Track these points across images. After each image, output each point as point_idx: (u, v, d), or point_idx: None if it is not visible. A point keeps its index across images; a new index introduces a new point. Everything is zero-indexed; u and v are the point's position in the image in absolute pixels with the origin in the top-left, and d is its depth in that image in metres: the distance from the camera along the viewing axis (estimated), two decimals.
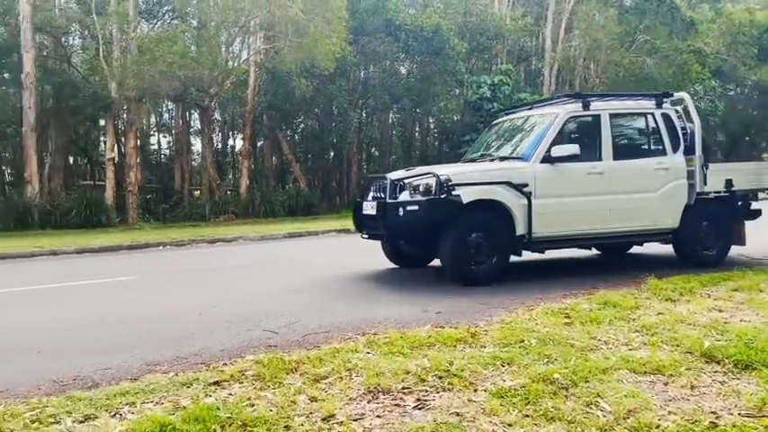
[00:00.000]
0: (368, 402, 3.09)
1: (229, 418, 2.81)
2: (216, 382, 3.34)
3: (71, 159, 25.68)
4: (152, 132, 31.24)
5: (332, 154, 26.81)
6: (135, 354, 4.09)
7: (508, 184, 6.63)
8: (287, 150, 24.90)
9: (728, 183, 7.72)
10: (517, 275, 7.01)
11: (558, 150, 6.78)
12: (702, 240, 7.67)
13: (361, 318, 5.01)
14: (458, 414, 2.86)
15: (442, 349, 3.92)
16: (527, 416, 2.82)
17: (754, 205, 8.14)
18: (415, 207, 6.52)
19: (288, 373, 3.47)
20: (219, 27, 19.99)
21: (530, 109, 8.14)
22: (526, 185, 6.70)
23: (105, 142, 21.72)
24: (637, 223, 7.37)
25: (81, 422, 2.82)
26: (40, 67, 19.13)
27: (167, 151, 31.20)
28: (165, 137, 31.77)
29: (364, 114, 27.05)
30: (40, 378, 3.60)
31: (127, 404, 3.03)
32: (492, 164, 7.36)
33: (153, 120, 30.08)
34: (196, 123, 27.81)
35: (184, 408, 2.93)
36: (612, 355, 3.67)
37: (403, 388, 3.26)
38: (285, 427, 2.74)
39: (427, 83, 24.43)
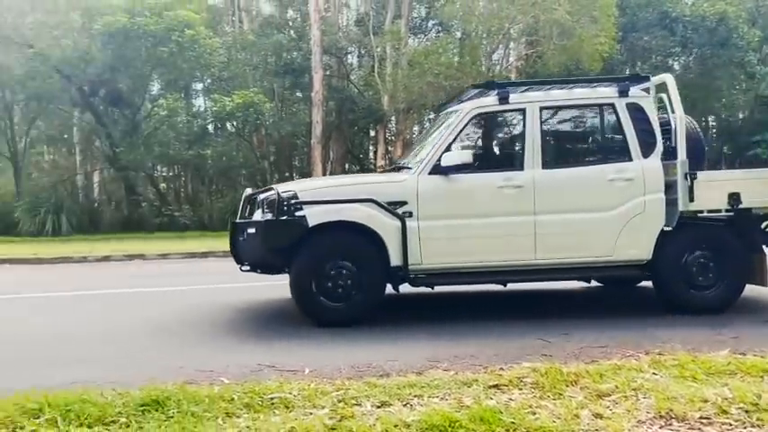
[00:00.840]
0: (660, 428, 2.85)
1: (513, 423, 2.82)
2: (495, 386, 3.39)
3: (347, 167, 28.77)
4: (414, 141, 33.47)
5: None
6: (417, 350, 4.37)
7: (374, 201, 5.25)
8: None
9: (734, 198, 5.45)
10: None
11: (448, 159, 5.28)
12: (693, 277, 5.50)
13: (642, 334, 4.66)
14: None
15: (746, 379, 3.45)
16: None
17: None
18: (253, 230, 5.42)
19: (567, 385, 3.37)
20: (483, 36, 20.49)
21: (459, 102, 6.25)
22: (404, 203, 5.29)
23: (375, 151, 23.86)
24: (581, 254, 5.46)
25: (378, 407, 3.08)
26: (326, 86, 21.76)
27: None
28: None
29: None
30: (341, 363, 4.05)
31: (415, 396, 3.23)
32: (364, 177, 6.01)
33: (416, 129, 32.22)
34: None
35: (468, 407, 3.03)
36: None
37: (701, 417, 2.94)
38: None
39: (708, 78, 21.97)
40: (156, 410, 2.99)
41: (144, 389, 3.20)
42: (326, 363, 4.05)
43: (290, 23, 25.32)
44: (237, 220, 5.84)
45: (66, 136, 24.82)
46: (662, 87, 5.78)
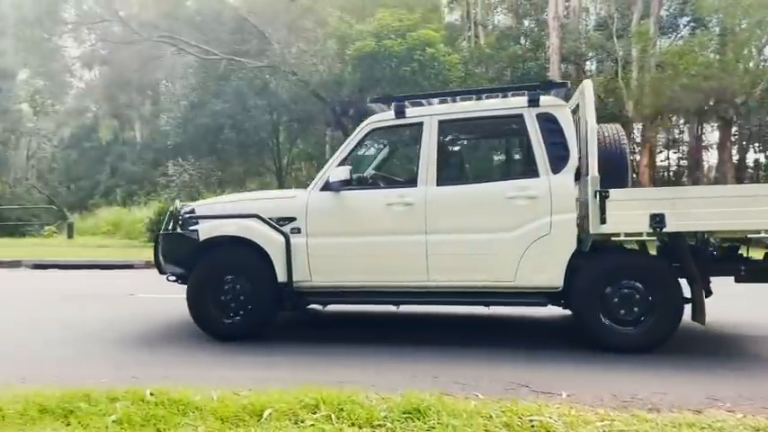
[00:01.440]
0: None
1: None
2: None
3: None
4: (660, 149, 30.69)
5: None
6: (690, 384, 3.86)
7: (258, 217, 5.26)
8: None
9: (656, 219, 4.51)
10: None
11: (335, 175, 5.14)
12: (614, 311, 4.71)
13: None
14: None
15: None
16: None
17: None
18: (159, 242, 5.62)
19: None
20: (751, 30, 17.97)
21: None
22: (293, 219, 5.26)
23: None
24: (478, 277, 4.97)
25: None
26: None
27: (675, 167, 30.10)
28: (676, 152, 30.70)
29: None
30: (601, 390, 3.73)
31: None
32: (262, 193, 6.14)
33: (663, 136, 29.59)
34: (709, 137, 26.05)
35: None
36: None
37: None
38: None
39: None
40: (418, 419, 3.03)
41: (405, 396, 3.28)
42: (584, 388, 3.77)
43: (526, 34, 25.02)
44: (159, 232, 5.94)
45: (320, 152, 27.68)
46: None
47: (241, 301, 5.34)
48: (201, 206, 5.82)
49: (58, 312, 7.48)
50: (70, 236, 20.23)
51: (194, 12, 23.22)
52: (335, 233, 5.27)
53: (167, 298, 7.65)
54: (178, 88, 25.15)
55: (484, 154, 5.52)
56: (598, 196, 4.63)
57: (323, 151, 26.53)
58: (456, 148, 5.92)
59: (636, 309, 4.73)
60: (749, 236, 4.79)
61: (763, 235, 4.58)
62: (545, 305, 5.08)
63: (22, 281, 11.50)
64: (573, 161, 4.87)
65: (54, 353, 5.22)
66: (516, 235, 4.87)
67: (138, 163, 29.79)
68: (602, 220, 4.63)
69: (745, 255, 5.08)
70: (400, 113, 5.36)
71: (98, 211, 24.51)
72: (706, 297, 4.85)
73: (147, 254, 14.07)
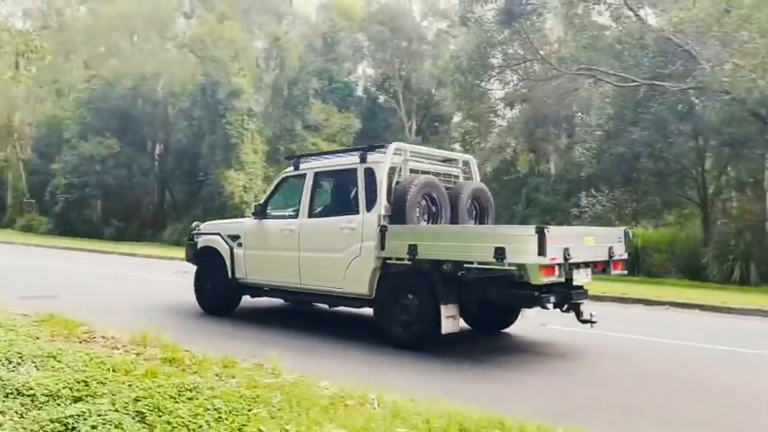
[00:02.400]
0: None
1: None
2: None
3: None
4: None
5: None
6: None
7: (220, 235, 8.92)
8: None
9: (411, 248, 6.54)
10: None
11: (255, 209, 8.61)
12: (398, 316, 6.86)
13: None
14: None
15: None
16: None
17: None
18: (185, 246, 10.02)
19: None
20: None
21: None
22: (239, 237, 8.70)
23: None
24: (326, 283, 7.57)
25: None
26: None
27: None
28: None
29: None
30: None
31: None
32: (235, 219, 10.60)
33: None
34: None
35: None
36: None
37: None
38: None
39: None
40: None
41: None
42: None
43: None
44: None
45: (753, 179, 23.69)
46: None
47: (215, 286, 8.98)
48: (203, 225, 9.65)
49: None
50: None
51: (614, 40, 22.76)
52: (257, 247, 8.45)
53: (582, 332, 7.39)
54: (593, 119, 24.98)
55: (336, 195, 8.03)
56: (380, 230, 6.84)
57: (760, 178, 22.65)
58: (322, 191, 8.21)
59: (410, 316, 6.73)
60: (465, 265, 6.49)
61: (475, 265, 6.43)
62: (362, 307, 7.43)
63: None
64: (379, 203, 7.02)
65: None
66: (343, 255, 7.20)
67: (552, 194, 30.62)
68: (382, 247, 6.82)
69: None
70: (296, 167, 8.32)
71: None
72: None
73: None
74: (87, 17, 36.63)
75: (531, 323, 8.08)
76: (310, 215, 7.86)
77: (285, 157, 11.63)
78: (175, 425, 4.17)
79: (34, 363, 5.62)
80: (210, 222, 10.00)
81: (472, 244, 6.40)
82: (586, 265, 6.68)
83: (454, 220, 7.53)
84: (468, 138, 37.88)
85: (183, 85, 30.53)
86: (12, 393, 4.75)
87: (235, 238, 8.73)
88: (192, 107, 30.56)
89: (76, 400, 4.63)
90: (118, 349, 6.27)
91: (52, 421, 4.16)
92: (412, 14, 40.15)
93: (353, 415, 4.34)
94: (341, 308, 8.56)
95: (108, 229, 32.73)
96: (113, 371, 5.33)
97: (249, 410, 4.43)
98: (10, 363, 5.65)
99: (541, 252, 5.74)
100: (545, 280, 5.97)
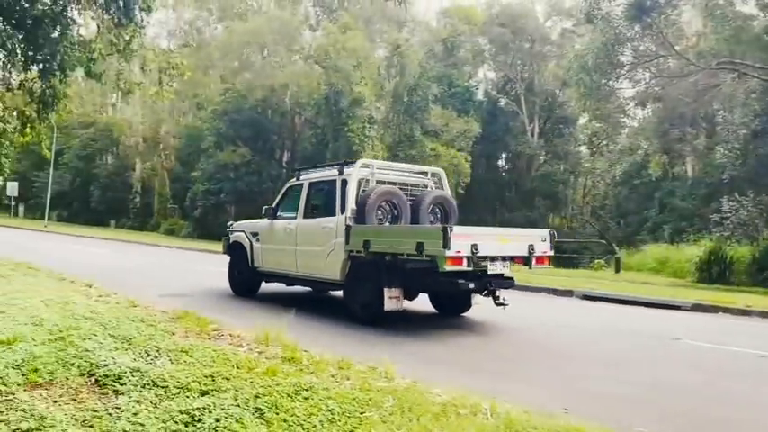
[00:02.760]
0: None
1: None
2: None
3: None
4: None
5: None
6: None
7: (244, 232, 11.26)
8: None
9: (366, 244, 8.33)
10: None
11: (267, 212, 10.78)
12: (359, 297, 8.69)
13: None
14: None
15: None
16: None
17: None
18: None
19: None
20: None
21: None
22: (257, 234, 10.91)
23: None
24: (315, 272, 9.59)
25: None
26: None
27: None
28: None
29: None
30: None
31: None
32: (257, 220, 11.33)
33: None
34: None
35: None
36: None
37: None
38: None
39: None
40: None
41: None
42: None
43: None
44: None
45: None
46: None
47: (241, 273, 11.18)
48: (235, 225, 11.86)
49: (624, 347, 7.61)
50: (617, 270, 20.76)
51: (761, 30, 20.73)
52: (268, 242, 10.50)
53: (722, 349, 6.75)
54: (737, 117, 22.89)
55: (322, 200, 9.65)
56: (346, 229, 8.76)
57: None
58: (314, 197, 9.92)
59: (365, 297, 8.55)
60: (399, 257, 8.13)
61: (405, 256, 8.00)
62: (338, 290, 9.55)
63: (572, 309, 12.28)
64: (348, 207, 8.92)
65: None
66: (324, 248, 9.21)
67: (689, 199, 28.49)
68: (347, 243, 8.71)
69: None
70: (297, 178, 10.57)
71: (645, 247, 24.47)
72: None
73: (696, 295, 13.05)
74: (223, 34, 39.35)
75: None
76: (305, 216, 9.91)
77: (292, 169, 14.21)
78: (291, 423, 4.28)
79: (169, 356, 6.05)
80: (240, 222, 12.12)
81: (403, 239, 8.08)
82: (503, 258, 8.15)
83: (414, 221, 9.25)
84: (595, 140, 36.24)
85: (308, 96, 31.86)
86: (148, 384, 5.13)
87: (255, 234, 10.89)
88: (316, 116, 31.83)
89: (203, 393, 4.91)
90: (242, 347, 6.58)
91: (181, 412, 4.44)
92: (535, 15, 39.16)
93: (465, 425, 4.23)
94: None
95: None
96: (237, 367, 5.60)
97: (361, 413, 4.46)
98: (149, 356, 6.13)
99: (446, 246, 7.23)
100: (449, 268, 7.39)
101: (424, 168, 11.01)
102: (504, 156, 45.75)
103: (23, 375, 5.56)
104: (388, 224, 9.16)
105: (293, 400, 4.70)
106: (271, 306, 10.23)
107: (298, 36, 34.08)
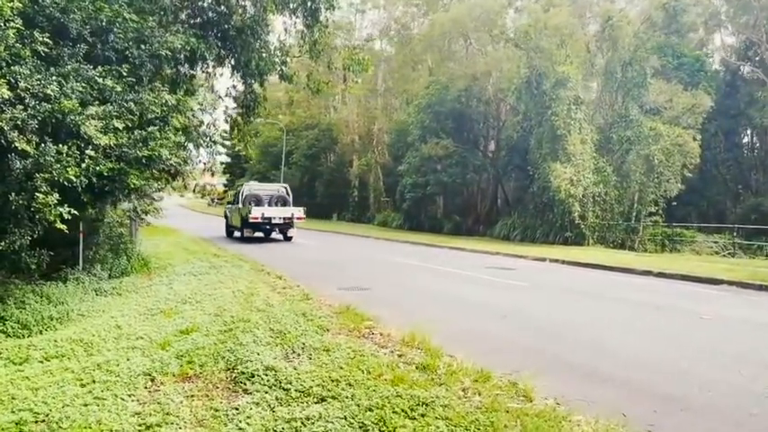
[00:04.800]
0: None
1: None
2: None
3: None
4: None
5: None
6: None
7: (226, 211, 29.18)
8: None
9: (241, 213, 24.12)
10: None
11: (227, 200, 35.38)
12: (242, 232, 24.08)
13: None
14: None
15: None
16: None
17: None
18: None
19: None
20: None
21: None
22: (229, 210, 27.36)
23: None
24: (236, 224, 24.78)
25: None
26: None
27: None
28: None
29: None
30: None
31: None
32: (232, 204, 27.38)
33: None
34: None
35: None
36: None
37: None
38: None
39: None
40: None
41: None
42: None
43: None
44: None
45: None
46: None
47: (226, 227, 27.22)
48: (226, 208, 29.24)
49: None
50: None
51: None
52: (229, 215, 26.44)
53: None
54: None
55: (235, 198, 25.74)
56: (237, 209, 24.66)
57: None
58: (240, 195, 25.28)
59: (243, 231, 24.22)
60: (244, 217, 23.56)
61: (250, 217, 23.16)
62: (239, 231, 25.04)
63: None
64: (240, 201, 24.38)
65: None
66: (237, 216, 24.82)
67: None
68: (240, 214, 24.20)
69: None
70: (237, 189, 29.86)
71: None
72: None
73: None
74: (426, 27, 39.83)
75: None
76: (234, 204, 25.25)
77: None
78: None
79: (310, 355, 5.98)
80: (227, 206, 27.28)
81: (241, 211, 23.56)
82: (279, 218, 23.10)
83: (273, 209, 23.75)
84: None
85: (509, 81, 30.69)
86: (275, 385, 5.07)
87: (230, 211, 25.81)
88: (518, 101, 30.53)
89: (321, 399, 4.69)
90: (386, 348, 6.28)
91: (286, 420, 4.25)
92: None
93: None
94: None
95: (448, 225, 35.06)
96: (368, 372, 5.30)
97: None
98: (293, 352, 6.13)
99: (249, 212, 22.69)
100: (253, 221, 22.68)
101: (277, 185, 27.41)
102: (747, 132, 39.32)
103: (181, 366, 5.91)
104: (251, 207, 23.14)
105: (406, 417, 4.25)
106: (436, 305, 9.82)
107: (499, 20, 32.94)
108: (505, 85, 31.48)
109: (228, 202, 28.81)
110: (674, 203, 28.55)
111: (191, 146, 12.73)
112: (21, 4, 7.25)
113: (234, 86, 14.46)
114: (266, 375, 5.29)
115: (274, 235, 24.36)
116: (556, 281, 13.34)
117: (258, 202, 23.84)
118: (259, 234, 23.87)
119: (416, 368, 5.45)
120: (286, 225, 23.22)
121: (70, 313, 9.23)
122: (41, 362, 6.63)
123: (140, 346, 6.86)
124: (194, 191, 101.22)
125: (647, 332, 7.80)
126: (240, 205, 23.76)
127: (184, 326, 7.68)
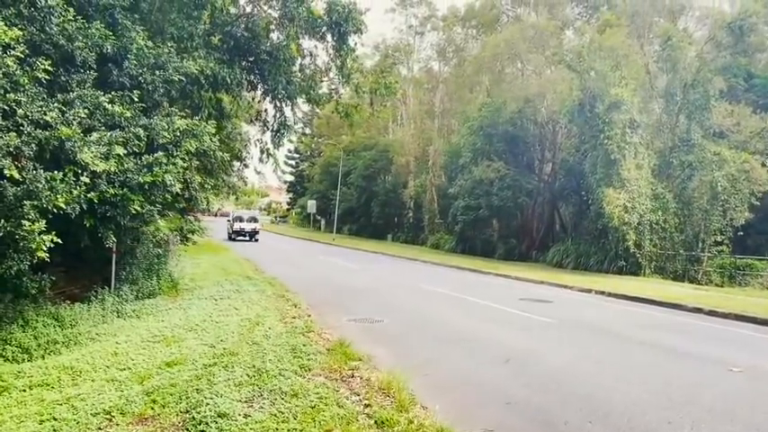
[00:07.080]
0: None
1: None
2: None
3: None
4: None
5: None
6: None
7: (228, 222, 49.20)
8: None
9: (231, 226, 44.31)
10: None
11: (230, 216, 49.36)
12: (237, 237, 42.40)
13: None
14: None
15: None
16: None
17: None
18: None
19: None
20: None
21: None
22: (230, 223, 46.86)
23: None
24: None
25: None
26: None
27: None
28: None
29: None
30: None
31: None
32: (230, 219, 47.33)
33: None
34: None
35: None
36: None
37: None
38: None
39: None
40: None
41: None
42: None
43: None
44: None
45: None
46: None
47: (228, 233, 44.68)
48: (227, 218, 55.56)
49: None
50: None
51: None
52: (230, 225, 44.52)
53: None
54: None
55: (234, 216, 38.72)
56: (230, 224, 44.46)
57: None
58: (232, 216, 46.32)
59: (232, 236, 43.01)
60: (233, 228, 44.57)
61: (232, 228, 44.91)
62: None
63: None
64: (233, 219, 44.53)
65: None
66: (229, 226, 44.96)
67: None
68: (230, 226, 44.47)
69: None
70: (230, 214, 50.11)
71: None
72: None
73: None
74: (477, 48, 39.37)
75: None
76: (228, 220, 45.92)
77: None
78: None
79: (274, 401, 5.69)
80: (227, 221, 46.91)
81: (232, 224, 43.97)
82: (249, 229, 42.28)
83: (247, 223, 42.93)
84: None
85: (561, 103, 29.69)
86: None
87: (230, 223, 44.00)
88: (570, 124, 29.50)
89: None
90: (359, 395, 5.91)
91: None
92: None
93: None
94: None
95: (501, 248, 34.12)
96: (319, 425, 4.95)
97: None
98: (261, 395, 5.86)
99: (232, 226, 43.27)
100: (236, 230, 42.45)
101: (254, 212, 56.92)
102: None
103: (144, 404, 5.75)
104: (234, 222, 43.21)
105: None
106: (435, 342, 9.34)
107: (552, 41, 32.05)
108: (559, 107, 30.52)
109: (227, 220, 47.00)
110: (741, 233, 26.65)
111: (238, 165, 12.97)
112: (21, 33, 7.42)
113: (265, 110, 14.54)
114: (215, 423, 5.04)
115: (311, 262, 26.22)
116: (588, 317, 12.52)
117: (240, 219, 42.76)
118: (242, 238, 41.49)
119: (375, 423, 5.06)
120: (254, 233, 42.08)
121: (79, 336, 9.32)
122: (23, 391, 6.64)
123: (121, 379, 6.78)
124: (260, 208, 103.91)
125: (656, 387, 7.03)
126: (231, 221, 43.41)
127: (173, 357, 7.57)
